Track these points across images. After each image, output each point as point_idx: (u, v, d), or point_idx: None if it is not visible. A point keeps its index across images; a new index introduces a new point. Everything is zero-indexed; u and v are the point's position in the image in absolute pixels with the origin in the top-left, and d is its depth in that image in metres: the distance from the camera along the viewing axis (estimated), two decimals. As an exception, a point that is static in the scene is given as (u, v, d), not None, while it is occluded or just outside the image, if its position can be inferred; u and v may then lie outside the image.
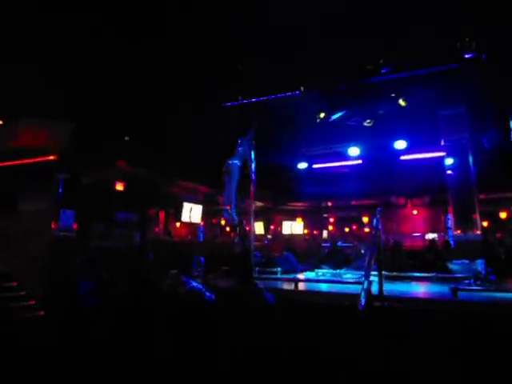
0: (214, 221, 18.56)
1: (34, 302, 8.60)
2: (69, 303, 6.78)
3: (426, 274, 8.46)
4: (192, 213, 15.81)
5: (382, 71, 7.51)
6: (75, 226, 11.13)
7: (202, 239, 17.01)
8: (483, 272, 7.48)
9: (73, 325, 5.98)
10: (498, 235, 15.13)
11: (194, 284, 4.17)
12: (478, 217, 9.16)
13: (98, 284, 6.64)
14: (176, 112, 11.33)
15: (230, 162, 8.41)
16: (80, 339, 5.39)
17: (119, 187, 12.82)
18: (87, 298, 6.58)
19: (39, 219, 9.92)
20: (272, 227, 20.83)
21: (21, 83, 10.03)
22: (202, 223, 16.62)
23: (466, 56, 6.89)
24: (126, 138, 12.75)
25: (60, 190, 10.96)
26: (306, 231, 20.64)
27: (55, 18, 8.56)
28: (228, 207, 8.70)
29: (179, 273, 4.21)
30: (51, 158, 10.67)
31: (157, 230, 16.12)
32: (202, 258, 9.82)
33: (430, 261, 9.68)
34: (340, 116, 9.40)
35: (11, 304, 8.34)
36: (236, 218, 8.82)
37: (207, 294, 4.11)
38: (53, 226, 10.01)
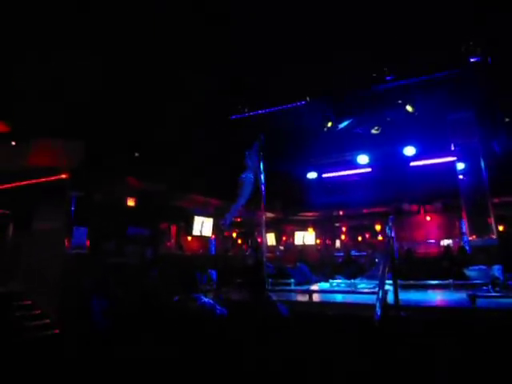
0: (226, 233, 18.59)
1: (48, 321, 8.63)
2: (82, 321, 6.79)
3: (442, 282, 8.30)
4: (203, 226, 15.82)
5: (387, 78, 7.50)
6: (88, 242, 11.21)
7: (213, 252, 16.99)
8: (501, 277, 7.31)
9: (87, 342, 5.98)
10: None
11: (205, 300, 4.12)
12: (492, 221, 9.00)
13: (110, 301, 6.66)
14: (185, 126, 11.43)
15: (244, 175, 8.44)
16: (94, 356, 5.38)
17: (130, 203, 12.92)
18: (100, 315, 6.59)
19: (52, 237, 10.03)
20: (284, 238, 20.72)
21: (32, 103, 10.23)
22: (213, 236, 16.62)
23: (472, 60, 6.85)
24: (136, 154, 12.88)
25: (73, 208, 11.08)
26: (318, 241, 20.48)
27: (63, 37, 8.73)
28: (229, 215, 8.76)
29: (190, 288, 4.17)
30: (63, 176, 10.83)
31: (169, 244, 16.15)
32: (214, 272, 9.78)
33: (445, 268, 9.51)
34: (347, 124, 9.39)
35: (25, 323, 8.38)
36: (228, 225, 8.83)
37: (219, 308, 4.07)
38: (66, 243, 10.10)
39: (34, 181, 11.12)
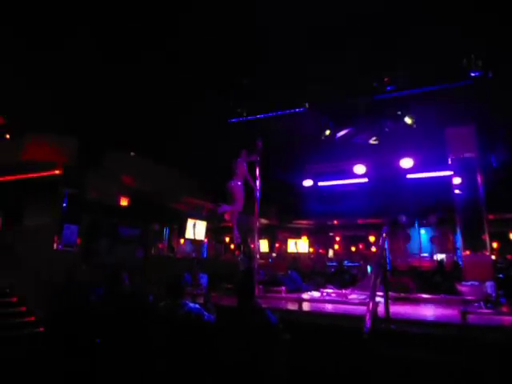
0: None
1: (33, 318, 8.48)
2: (68, 319, 6.65)
3: (433, 296, 8.22)
4: (196, 229, 15.69)
5: (388, 89, 7.48)
6: (79, 241, 11.07)
7: (205, 256, 16.87)
8: (493, 294, 7.24)
9: (72, 341, 5.85)
10: (509, 256, 14.81)
11: (191, 305, 4.00)
12: (487, 237, 8.96)
13: (98, 301, 6.52)
14: (182, 128, 11.37)
15: (232, 183, 8.31)
16: (79, 356, 5.26)
17: (124, 202, 12.79)
18: (87, 315, 6.45)
19: (42, 234, 9.91)
20: (277, 245, 20.62)
21: (28, 99, 10.13)
22: (205, 240, 16.50)
23: (472, 74, 6.85)
24: (132, 154, 12.79)
25: (65, 205, 10.95)
26: (311, 250, 20.39)
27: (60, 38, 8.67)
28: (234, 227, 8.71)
29: (177, 293, 4.04)
30: (57, 172, 10.71)
31: (160, 246, 16.01)
32: (205, 276, 9.67)
33: (438, 282, 9.44)
34: (346, 134, 9.35)
35: (10, 320, 8.23)
36: (239, 236, 8.77)
37: (206, 314, 3.96)
38: (56, 240, 9.97)
39: (26, 175, 11.00)
